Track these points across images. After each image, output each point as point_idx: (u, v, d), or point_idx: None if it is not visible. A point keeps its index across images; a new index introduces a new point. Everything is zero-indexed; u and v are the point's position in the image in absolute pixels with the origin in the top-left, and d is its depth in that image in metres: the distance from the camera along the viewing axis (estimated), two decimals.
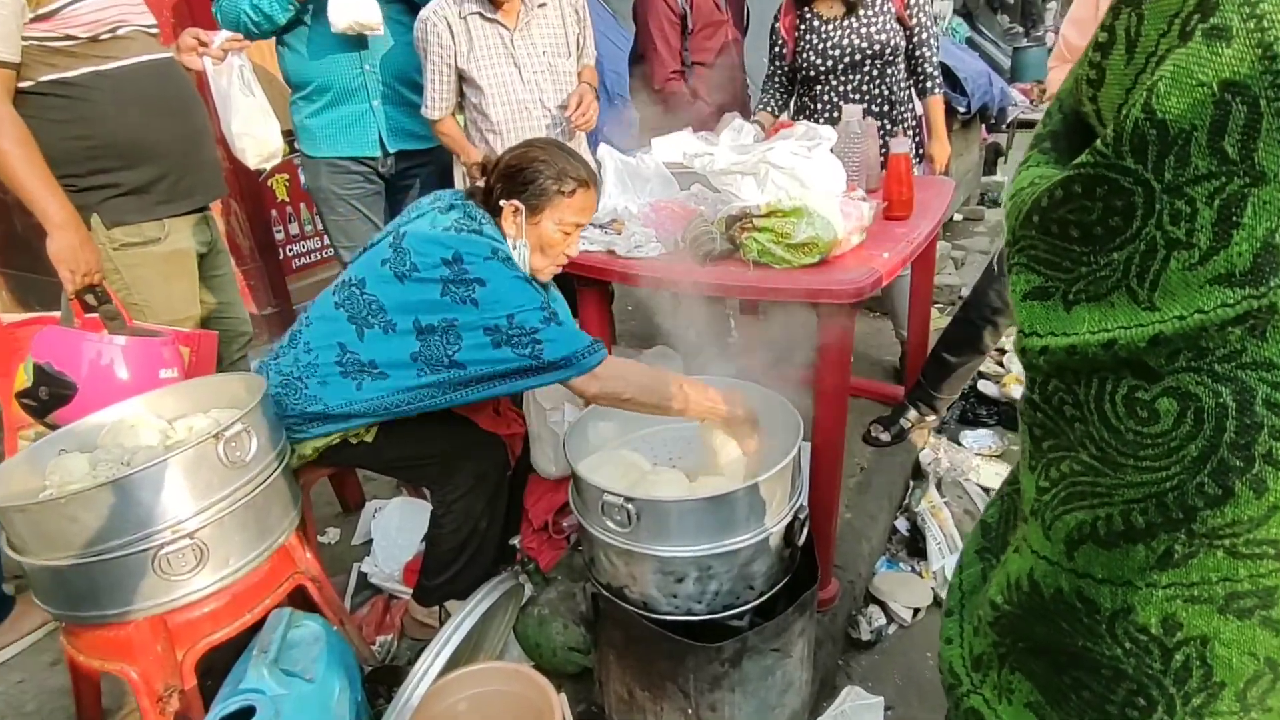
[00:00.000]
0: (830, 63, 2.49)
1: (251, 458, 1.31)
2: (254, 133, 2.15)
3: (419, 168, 2.52)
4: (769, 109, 2.72)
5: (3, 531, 1.26)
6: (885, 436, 2.43)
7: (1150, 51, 0.34)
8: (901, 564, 2.14)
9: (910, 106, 2.60)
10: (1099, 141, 0.36)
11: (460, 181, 2.55)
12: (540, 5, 2.21)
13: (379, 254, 1.50)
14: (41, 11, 1.63)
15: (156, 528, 1.20)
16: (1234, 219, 0.31)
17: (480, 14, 2.14)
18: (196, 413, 1.51)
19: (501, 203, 1.53)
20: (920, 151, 2.67)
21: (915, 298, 2.53)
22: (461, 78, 2.21)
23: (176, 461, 1.21)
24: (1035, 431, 0.41)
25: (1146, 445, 0.35)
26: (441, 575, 1.70)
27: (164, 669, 1.26)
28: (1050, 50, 7.00)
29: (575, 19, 2.30)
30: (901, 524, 2.27)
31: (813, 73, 2.54)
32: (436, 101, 2.22)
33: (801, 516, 1.37)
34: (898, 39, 2.45)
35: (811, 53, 2.51)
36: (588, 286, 1.88)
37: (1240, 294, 0.31)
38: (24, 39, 1.64)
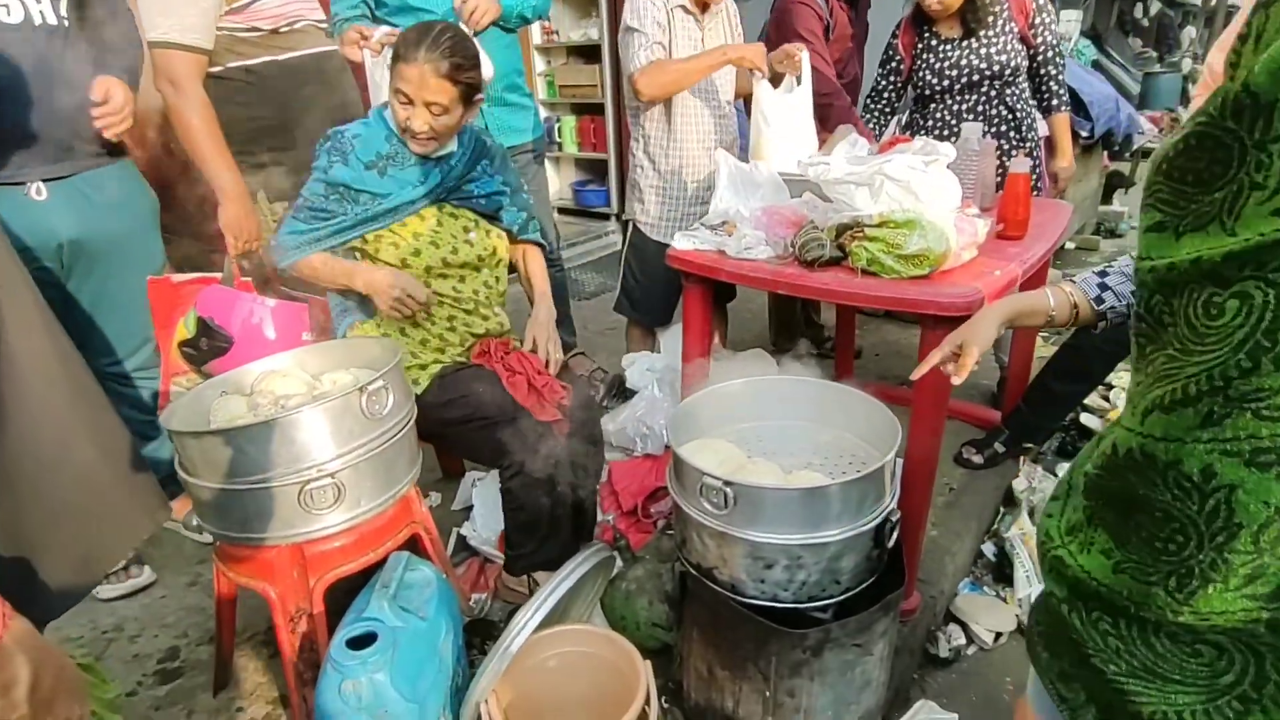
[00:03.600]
0: (947, 82, 2.49)
1: (387, 412, 1.45)
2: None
3: (522, 156, 2.71)
4: (871, 125, 2.73)
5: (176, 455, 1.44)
6: (978, 459, 2.40)
7: (1268, 42, 0.45)
8: (986, 588, 2.12)
9: (1034, 126, 2.56)
10: (1209, 105, 0.46)
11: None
12: (718, 12, 2.39)
13: None
14: (235, 5, 1.84)
15: (305, 465, 1.35)
16: None
17: (683, 7, 2.29)
18: (338, 369, 1.66)
19: None
20: (1038, 172, 2.62)
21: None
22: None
23: (326, 409, 1.36)
24: (1140, 340, 0.53)
25: (1211, 335, 0.46)
26: (521, 549, 1.80)
27: (297, 592, 1.41)
28: (1185, 77, 6.61)
29: (732, 26, 2.49)
30: (989, 549, 2.24)
31: (928, 91, 2.54)
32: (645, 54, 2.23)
33: (893, 519, 1.39)
34: (1019, 59, 2.42)
35: (928, 71, 2.51)
36: (693, 283, 1.95)
37: None
38: (218, 29, 1.86)
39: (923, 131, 2.58)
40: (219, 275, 2.02)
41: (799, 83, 2.30)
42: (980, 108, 2.49)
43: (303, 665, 1.43)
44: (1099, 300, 1.18)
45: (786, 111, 2.28)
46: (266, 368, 1.70)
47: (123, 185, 1.85)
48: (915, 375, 1.29)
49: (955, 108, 2.52)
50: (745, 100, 2.50)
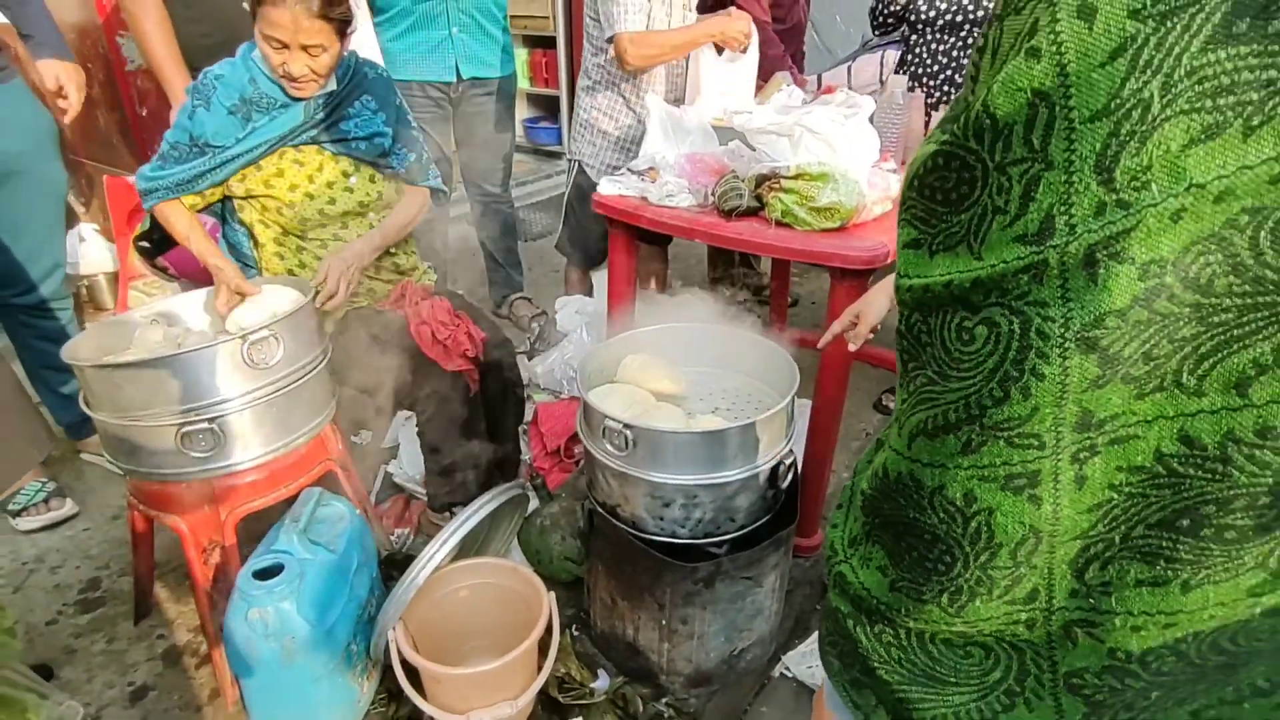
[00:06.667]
0: (934, 13, 2.35)
1: (276, 362, 1.41)
2: (360, 45, 2.29)
3: (486, 95, 2.67)
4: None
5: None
6: (895, 404, 2.50)
7: (1003, 59, 0.42)
8: None
9: None
10: (954, 124, 0.45)
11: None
12: None
13: None
14: None
15: (179, 408, 1.33)
16: (1032, 194, 0.41)
17: None
18: (256, 307, 1.64)
19: None
20: None
21: None
22: None
23: (202, 356, 1.33)
24: (903, 356, 0.52)
25: (965, 361, 0.46)
26: (440, 487, 1.85)
27: (209, 525, 1.44)
28: None
29: None
30: None
31: (913, 17, 2.41)
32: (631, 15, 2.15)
33: (787, 462, 1.47)
34: None
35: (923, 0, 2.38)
36: (617, 228, 1.97)
37: (1028, 250, 0.41)
38: None
39: (904, 69, 2.47)
40: None
41: (744, 53, 2.27)
42: (954, 53, 2.38)
43: (216, 595, 1.47)
44: None
45: (727, 76, 2.26)
46: (201, 298, 1.70)
47: (13, 105, 1.79)
48: (820, 344, 1.38)
49: (933, 46, 2.40)
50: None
